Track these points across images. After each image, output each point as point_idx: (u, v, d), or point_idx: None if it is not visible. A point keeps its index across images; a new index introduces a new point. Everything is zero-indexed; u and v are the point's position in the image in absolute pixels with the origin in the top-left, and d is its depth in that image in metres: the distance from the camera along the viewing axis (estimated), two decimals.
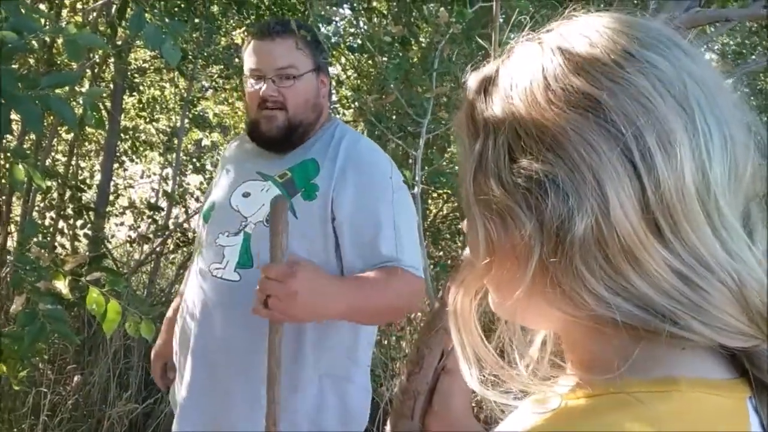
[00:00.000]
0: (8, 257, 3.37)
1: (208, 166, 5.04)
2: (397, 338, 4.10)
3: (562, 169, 0.51)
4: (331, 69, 4.77)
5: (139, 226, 4.62)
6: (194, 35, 4.01)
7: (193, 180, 5.02)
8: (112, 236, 4.75)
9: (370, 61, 4.30)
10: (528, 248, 0.53)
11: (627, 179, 0.50)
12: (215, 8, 3.90)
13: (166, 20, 1.50)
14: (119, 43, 3.50)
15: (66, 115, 1.31)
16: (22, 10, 1.33)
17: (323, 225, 1.56)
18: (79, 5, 3.69)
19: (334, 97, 4.91)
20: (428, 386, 0.96)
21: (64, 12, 3.63)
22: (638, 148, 0.50)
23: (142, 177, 5.38)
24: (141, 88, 4.45)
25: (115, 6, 3.23)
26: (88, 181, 4.52)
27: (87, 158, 5.04)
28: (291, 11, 4.13)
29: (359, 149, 1.64)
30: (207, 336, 1.63)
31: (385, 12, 4.24)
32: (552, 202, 0.51)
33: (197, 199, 4.68)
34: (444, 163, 3.52)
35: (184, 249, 4.38)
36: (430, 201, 4.15)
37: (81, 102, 1.40)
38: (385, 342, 4.07)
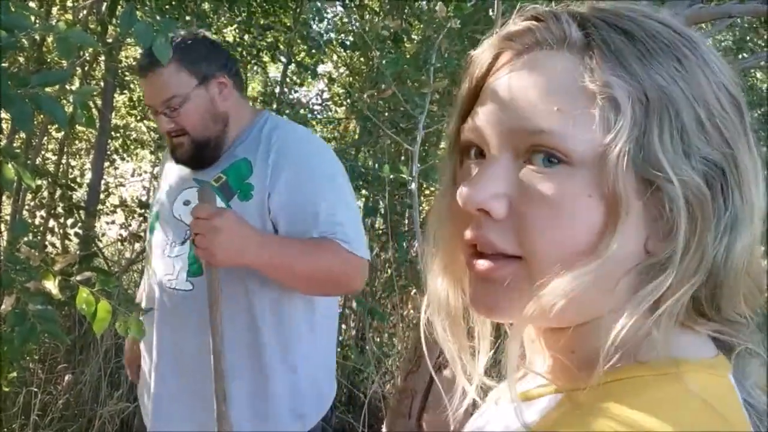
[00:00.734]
0: None
1: None
2: (389, 335, 4.09)
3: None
4: (322, 66, 4.77)
5: (129, 225, 4.60)
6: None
7: None
8: (103, 235, 4.73)
9: (362, 59, 4.30)
10: None
11: None
12: (206, 5, 3.88)
13: (157, 17, 1.48)
14: (110, 40, 3.49)
15: (56, 114, 1.30)
16: (12, 8, 1.31)
17: (262, 223, 1.55)
18: (69, 3, 3.67)
19: (326, 95, 4.89)
20: (425, 385, 0.95)
21: (54, 9, 3.61)
22: None
23: (132, 175, 5.36)
24: (132, 85, 4.43)
25: (105, 3, 3.22)
26: (78, 179, 4.50)
27: (77, 156, 5.02)
28: (282, 8, 4.11)
29: (290, 141, 1.62)
30: (166, 344, 1.66)
31: (377, 9, 4.24)
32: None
33: None
34: (438, 161, 3.51)
35: None
36: (422, 198, 4.15)
37: (71, 100, 1.38)
38: (377, 339, 4.07)
